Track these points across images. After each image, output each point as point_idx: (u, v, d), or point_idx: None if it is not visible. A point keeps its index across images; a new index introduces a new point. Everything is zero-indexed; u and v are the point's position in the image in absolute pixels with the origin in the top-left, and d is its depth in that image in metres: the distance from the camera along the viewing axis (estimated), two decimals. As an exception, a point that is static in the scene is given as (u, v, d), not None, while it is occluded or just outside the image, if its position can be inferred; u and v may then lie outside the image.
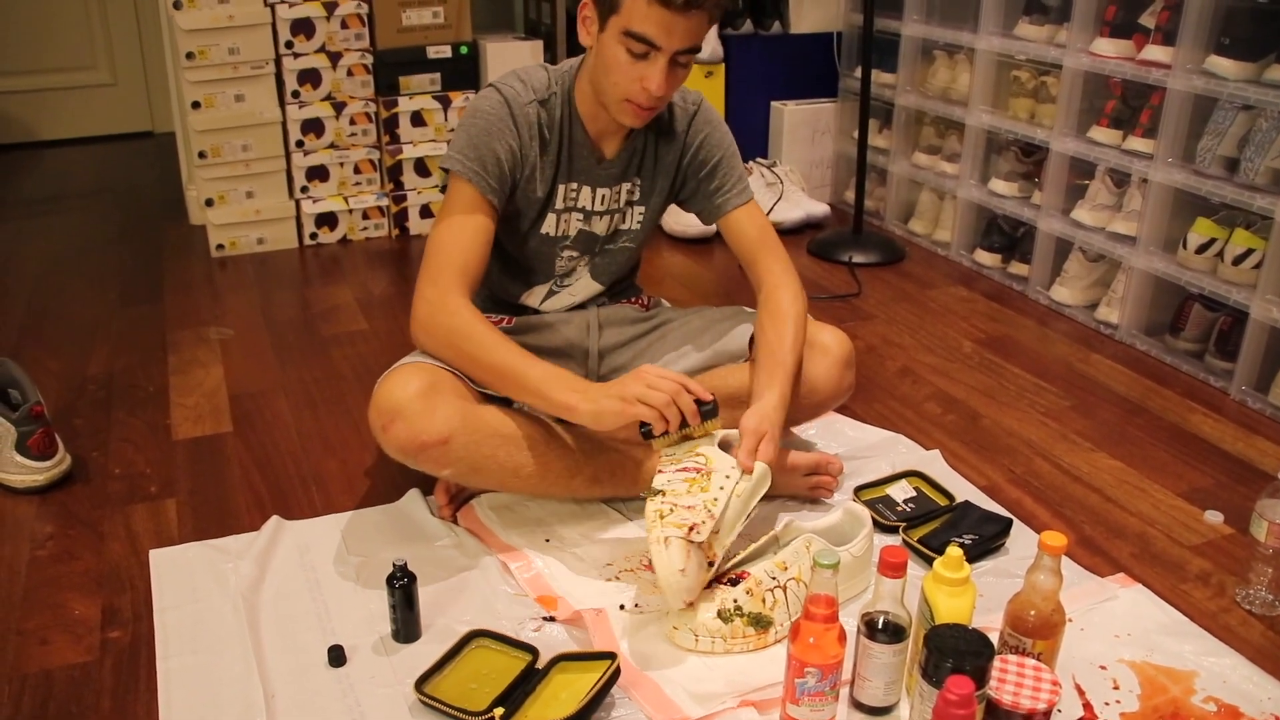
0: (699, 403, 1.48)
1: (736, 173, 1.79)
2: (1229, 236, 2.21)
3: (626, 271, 1.89)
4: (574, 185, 1.71)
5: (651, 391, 1.45)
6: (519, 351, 1.55)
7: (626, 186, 1.75)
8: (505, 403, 1.65)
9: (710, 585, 1.48)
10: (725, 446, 1.53)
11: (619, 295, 1.92)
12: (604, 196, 1.74)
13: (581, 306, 1.86)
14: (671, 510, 1.40)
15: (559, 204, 1.72)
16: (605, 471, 1.68)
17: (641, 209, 1.79)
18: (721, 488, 1.45)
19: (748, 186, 1.80)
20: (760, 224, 1.81)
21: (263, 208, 3.06)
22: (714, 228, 1.84)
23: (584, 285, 1.83)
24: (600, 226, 1.77)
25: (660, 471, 1.48)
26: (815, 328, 1.81)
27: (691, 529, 1.38)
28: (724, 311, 1.88)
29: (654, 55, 1.51)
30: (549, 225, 1.73)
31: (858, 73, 3.06)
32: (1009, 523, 1.69)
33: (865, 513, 1.59)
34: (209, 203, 3.02)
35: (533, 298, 1.83)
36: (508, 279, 1.82)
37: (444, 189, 1.65)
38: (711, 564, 1.43)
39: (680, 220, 3.12)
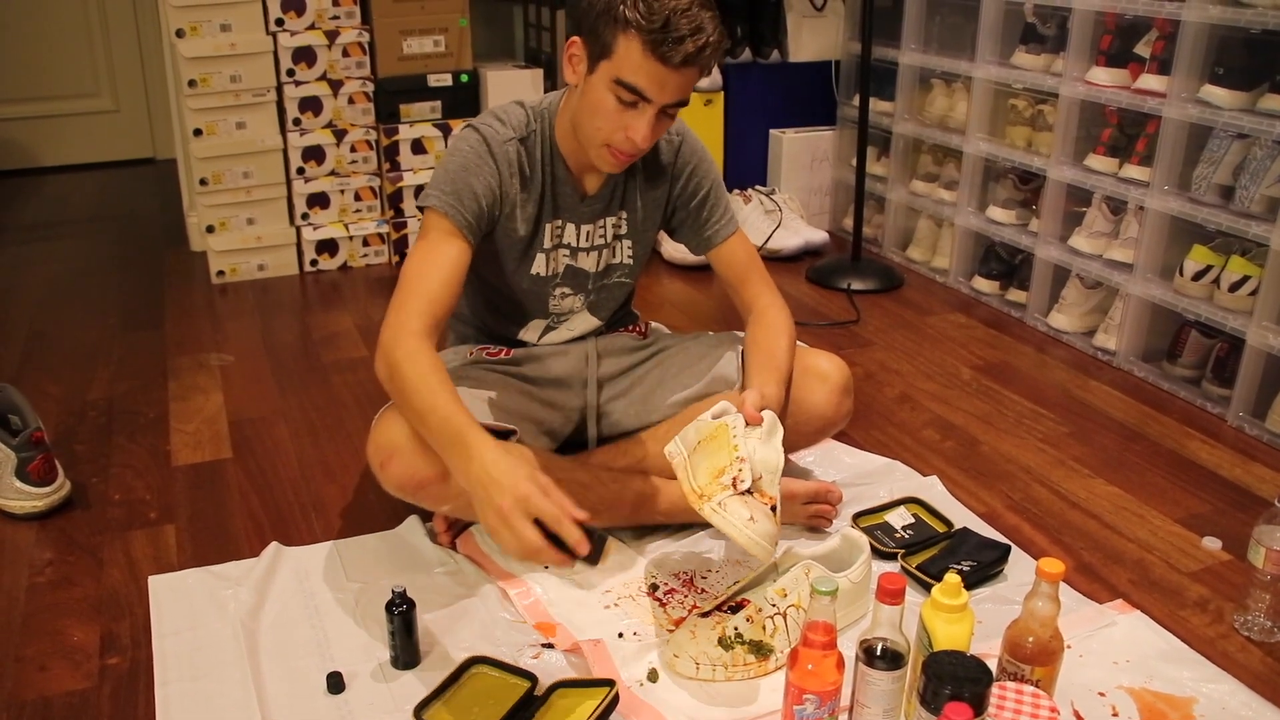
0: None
1: (724, 202, 1.80)
2: (1225, 263, 2.22)
3: (622, 302, 1.90)
4: (559, 223, 1.71)
5: (520, 544, 1.29)
6: (446, 396, 1.41)
7: (611, 220, 1.75)
8: (502, 439, 1.65)
9: (709, 613, 1.48)
10: (719, 417, 1.55)
11: (616, 324, 1.92)
12: (588, 232, 1.73)
13: (579, 338, 1.87)
14: (707, 485, 1.42)
15: (546, 243, 1.71)
16: (604, 504, 1.68)
17: (630, 242, 1.79)
18: (735, 437, 1.46)
19: (734, 215, 1.81)
20: (749, 252, 1.82)
21: (263, 234, 3.08)
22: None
23: (582, 321, 1.84)
24: (589, 263, 1.76)
25: (681, 478, 1.50)
26: (813, 354, 1.82)
27: (734, 482, 1.40)
28: (719, 337, 1.89)
29: (643, 106, 1.50)
30: (539, 265, 1.72)
31: (856, 101, 3.08)
32: (1007, 549, 1.70)
33: (863, 539, 1.59)
34: (210, 229, 3.04)
35: (529, 333, 1.83)
36: (503, 317, 1.82)
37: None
38: (774, 508, 1.43)
39: (678, 248, 3.13)
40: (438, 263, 1.55)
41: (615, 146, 1.55)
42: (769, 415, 1.54)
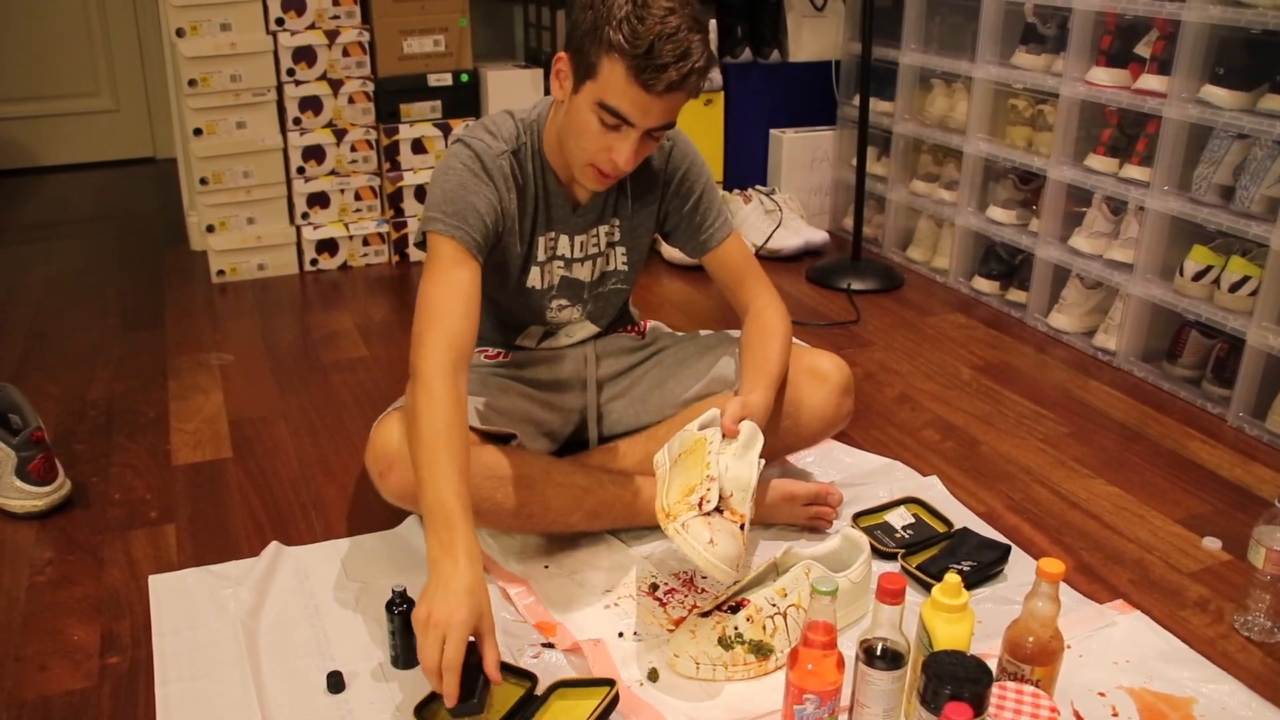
0: (469, 682, 1.26)
1: (717, 205, 1.78)
2: (1225, 264, 2.22)
3: (620, 305, 1.89)
4: (552, 235, 1.69)
5: (423, 652, 1.26)
6: (449, 473, 1.35)
7: (604, 229, 1.73)
8: (501, 443, 1.65)
9: (709, 613, 1.48)
10: (705, 428, 1.55)
11: (614, 325, 1.91)
12: (582, 243, 1.71)
13: (578, 342, 1.86)
14: (675, 504, 1.42)
15: (540, 256, 1.69)
16: (603, 506, 1.69)
17: (624, 249, 1.77)
18: (710, 453, 1.47)
19: (729, 217, 1.80)
20: (745, 253, 1.82)
21: (264, 234, 3.08)
22: None
23: (581, 328, 1.83)
24: (583, 273, 1.75)
25: (657, 493, 1.50)
26: (813, 354, 1.82)
27: (700, 502, 1.40)
28: (718, 337, 1.88)
29: (626, 130, 1.47)
30: (534, 279, 1.71)
31: (856, 101, 3.08)
32: (1007, 549, 1.70)
33: (863, 539, 1.59)
34: (210, 229, 3.04)
35: (528, 339, 1.83)
36: (501, 326, 1.81)
37: (418, 245, 1.60)
38: (742, 526, 1.43)
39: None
40: (455, 291, 1.51)
41: (599, 166, 1.53)
42: (747, 427, 1.53)
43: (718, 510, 1.42)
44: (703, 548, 1.37)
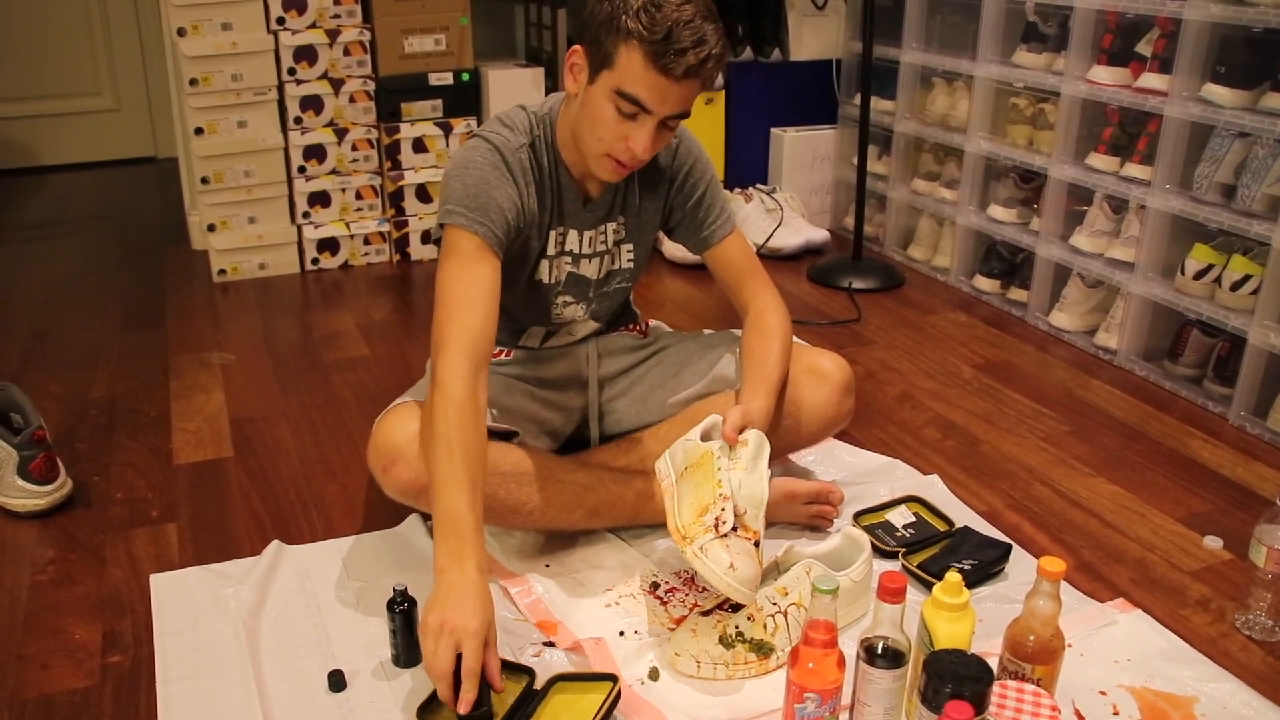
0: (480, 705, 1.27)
1: (720, 202, 1.79)
2: (1226, 262, 2.22)
3: (622, 303, 1.89)
4: (562, 229, 1.69)
5: (434, 658, 1.27)
6: (464, 485, 1.36)
7: (612, 226, 1.73)
8: (504, 439, 1.65)
9: (710, 612, 1.49)
10: (707, 438, 1.54)
11: (615, 324, 1.91)
12: (590, 238, 1.71)
13: (580, 340, 1.86)
14: (690, 524, 1.42)
15: (550, 250, 1.69)
16: (605, 504, 1.69)
17: (630, 246, 1.77)
18: (719, 469, 1.46)
19: (731, 215, 1.80)
20: (746, 251, 1.82)
21: (265, 233, 3.08)
22: None
23: (583, 326, 1.83)
24: (590, 270, 1.74)
25: (667, 509, 1.50)
26: (814, 353, 1.82)
27: (716, 524, 1.40)
28: (719, 336, 1.88)
29: (643, 118, 1.48)
30: (542, 272, 1.71)
31: (857, 100, 3.08)
32: (1008, 548, 1.70)
33: (864, 538, 1.59)
34: (211, 228, 3.04)
35: (531, 339, 1.82)
36: (506, 325, 1.81)
37: (437, 241, 1.58)
38: (757, 544, 1.43)
39: (679, 246, 3.13)
40: (476, 287, 1.50)
41: (615, 156, 1.53)
42: (754, 436, 1.53)
43: (733, 529, 1.42)
44: (724, 573, 1.37)
